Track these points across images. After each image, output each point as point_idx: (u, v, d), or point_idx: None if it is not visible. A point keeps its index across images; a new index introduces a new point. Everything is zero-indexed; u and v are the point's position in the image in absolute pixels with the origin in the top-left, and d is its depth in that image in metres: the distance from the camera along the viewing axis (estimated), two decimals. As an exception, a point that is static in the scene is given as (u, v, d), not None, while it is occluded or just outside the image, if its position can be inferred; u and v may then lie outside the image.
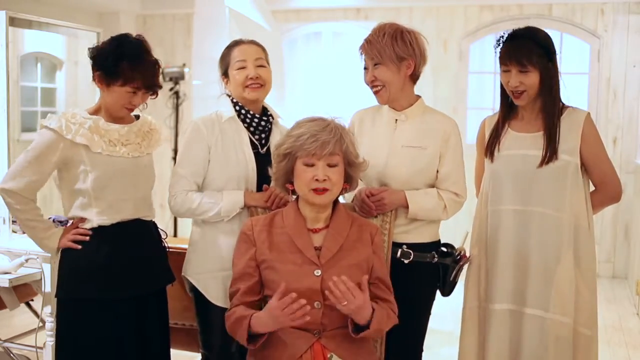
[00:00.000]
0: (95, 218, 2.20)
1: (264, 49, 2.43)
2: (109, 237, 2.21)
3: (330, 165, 2.05)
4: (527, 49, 2.27)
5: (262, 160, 2.36)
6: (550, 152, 2.30)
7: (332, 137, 2.04)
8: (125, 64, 2.15)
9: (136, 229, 2.28)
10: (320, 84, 6.30)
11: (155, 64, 2.24)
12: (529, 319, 2.32)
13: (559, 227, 2.31)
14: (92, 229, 2.21)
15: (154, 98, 2.31)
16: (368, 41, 2.31)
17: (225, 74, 2.42)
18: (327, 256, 2.06)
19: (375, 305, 2.02)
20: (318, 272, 2.03)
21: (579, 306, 2.32)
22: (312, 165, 2.04)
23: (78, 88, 5.89)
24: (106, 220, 2.21)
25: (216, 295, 2.33)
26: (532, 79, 2.29)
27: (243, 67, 2.35)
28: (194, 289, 2.38)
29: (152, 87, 2.22)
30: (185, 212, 2.34)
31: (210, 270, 2.34)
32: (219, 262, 2.33)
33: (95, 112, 2.25)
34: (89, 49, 2.23)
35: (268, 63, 2.42)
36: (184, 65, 5.82)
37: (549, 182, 2.32)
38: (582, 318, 2.33)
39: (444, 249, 2.37)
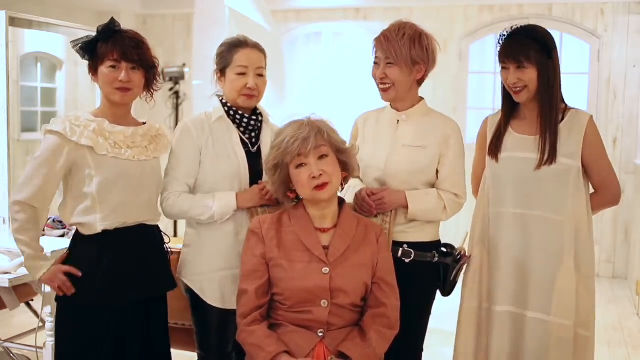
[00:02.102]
0: (99, 223, 2.16)
1: (265, 54, 2.39)
2: (112, 243, 2.17)
3: (320, 158, 2.06)
4: (524, 46, 2.27)
5: (254, 159, 2.36)
6: (549, 155, 2.28)
7: (311, 131, 2.05)
8: (99, 43, 2.16)
9: (139, 235, 2.24)
10: (320, 84, 6.30)
11: (135, 38, 2.19)
12: (530, 322, 2.32)
13: (560, 231, 2.30)
14: (95, 235, 2.16)
15: (157, 88, 2.28)
16: (386, 38, 2.30)
17: (222, 71, 2.38)
18: (335, 255, 2.07)
19: (360, 343, 2.02)
20: (326, 270, 2.04)
21: (578, 308, 2.32)
22: (304, 165, 2.05)
23: (78, 88, 5.89)
24: (110, 225, 2.16)
25: (212, 296, 2.33)
26: (529, 75, 2.27)
27: (243, 74, 2.31)
28: (189, 290, 2.38)
29: (134, 60, 2.16)
30: (177, 214, 2.33)
31: (205, 272, 2.34)
32: (214, 263, 2.33)
33: (99, 114, 2.21)
34: (71, 45, 2.22)
35: (266, 67, 2.39)
36: (184, 65, 5.82)
37: (551, 186, 2.30)
38: (581, 319, 2.33)
39: (444, 249, 2.38)
